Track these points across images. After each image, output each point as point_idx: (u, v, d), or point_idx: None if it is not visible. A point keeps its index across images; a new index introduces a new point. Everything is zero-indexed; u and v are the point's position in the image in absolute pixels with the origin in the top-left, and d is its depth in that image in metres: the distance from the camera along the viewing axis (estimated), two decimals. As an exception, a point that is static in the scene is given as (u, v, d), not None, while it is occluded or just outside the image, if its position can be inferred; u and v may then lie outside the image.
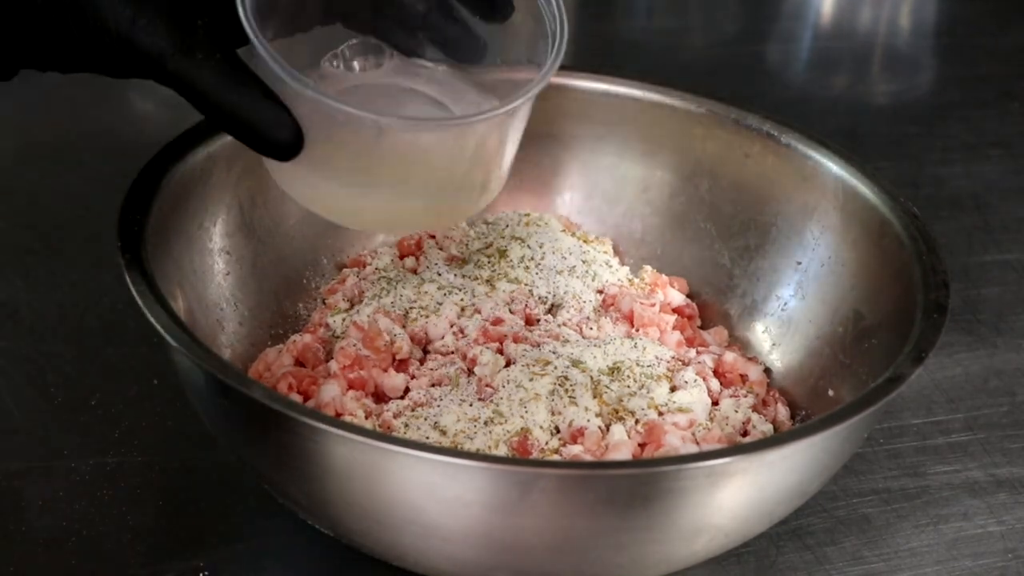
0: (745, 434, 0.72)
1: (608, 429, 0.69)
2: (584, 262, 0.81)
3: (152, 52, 0.59)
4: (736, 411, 0.72)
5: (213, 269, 0.74)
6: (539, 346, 0.74)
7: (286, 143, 0.61)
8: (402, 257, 0.82)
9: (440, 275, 0.79)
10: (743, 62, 1.27)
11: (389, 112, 0.63)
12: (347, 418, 0.69)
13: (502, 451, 0.67)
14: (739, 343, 0.79)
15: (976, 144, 1.13)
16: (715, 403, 0.74)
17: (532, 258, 0.80)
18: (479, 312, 0.77)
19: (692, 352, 0.77)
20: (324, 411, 0.69)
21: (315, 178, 0.64)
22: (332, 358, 0.73)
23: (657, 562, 0.63)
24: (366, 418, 0.70)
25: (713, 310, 0.82)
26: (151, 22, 0.59)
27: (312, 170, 0.64)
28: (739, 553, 0.70)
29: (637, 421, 0.70)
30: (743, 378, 0.76)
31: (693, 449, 0.69)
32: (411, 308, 0.76)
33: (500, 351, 0.74)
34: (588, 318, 0.78)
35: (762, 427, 0.72)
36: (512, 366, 0.72)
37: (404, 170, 0.65)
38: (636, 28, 1.35)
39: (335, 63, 0.68)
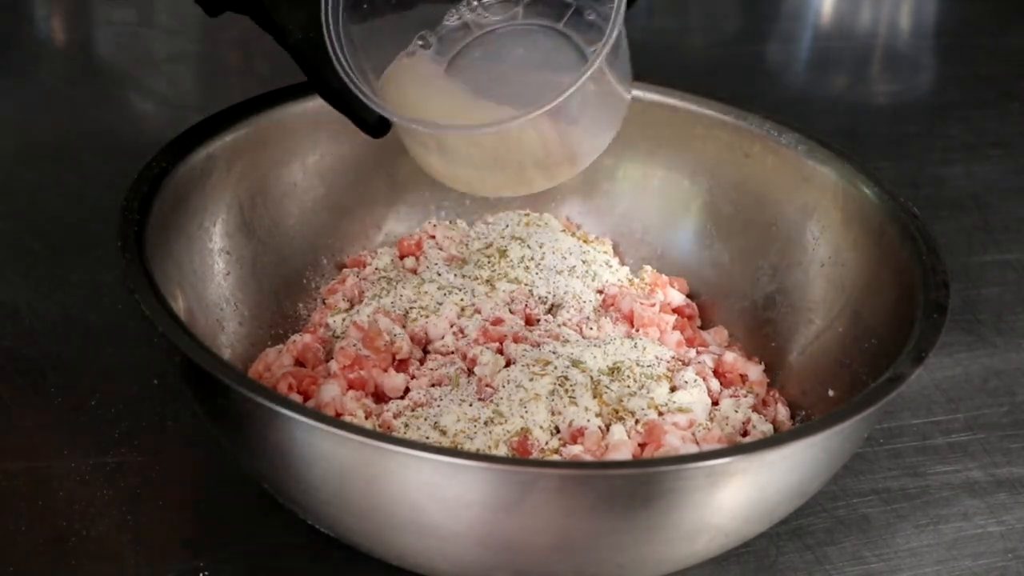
0: (745, 434, 0.72)
1: (608, 429, 0.69)
2: (584, 262, 0.81)
3: (280, 24, 0.68)
4: (736, 411, 0.72)
5: (213, 269, 0.74)
6: (539, 346, 0.74)
7: (372, 124, 0.69)
8: (402, 257, 0.82)
9: (440, 275, 0.79)
10: (743, 62, 1.27)
11: (430, 120, 0.68)
12: (347, 418, 0.69)
13: (502, 451, 0.67)
14: (739, 343, 0.79)
15: (976, 144, 1.13)
16: (715, 403, 0.74)
17: (532, 258, 0.80)
18: (479, 312, 0.77)
19: (692, 352, 0.77)
20: (324, 411, 0.69)
21: (419, 150, 0.71)
22: (332, 358, 0.73)
23: (657, 562, 0.63)
24: (366, 418, 0.70)
25: (713, 310, 0.82)
26: None
27: (413, 143, 0.71)
28: (739, 553, 0.70)
29: (637, 421, 0.70)
30: (743, 378, 0.76)
31: (693, 449, 0.69)
32: (411, 308, 0.76)
33: (500, 351, 0.74)
34: (588, 318, 0.78)
35: (762, 427, 0.72)
36: (512, 366, 0.72)
37: (479, 151, 0.70)
38: (636, 28, 1.35)
39: (474, 3, 0.72)
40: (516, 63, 0.72)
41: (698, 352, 0.77)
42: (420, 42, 0.72)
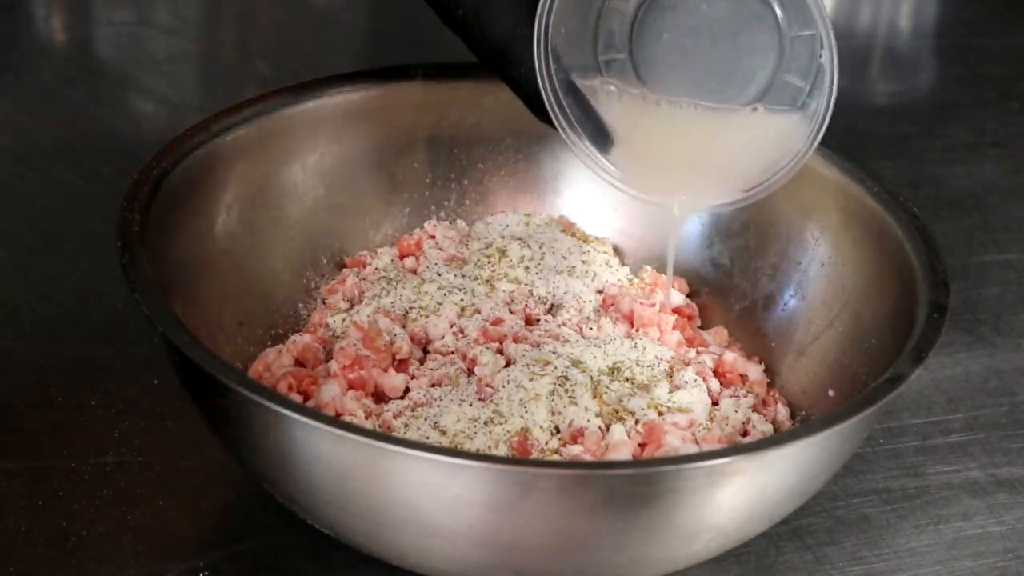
0: (745, 434, 0.72)
1: (608, 429, 0.69)
2: (584, 262, 0.81)
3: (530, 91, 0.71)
4: (736, 411, 0.72)
5: (213, 269, 0.74)
6: (539, 346, 0.74)
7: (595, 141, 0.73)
8: (402, 257, 0.82)
9: (440, 275, 0.79)
10: (743, 62, 1.27)
11: (668, 194, 0.74)
12: (347, 418, 0.69)
13: (502, 451, 0.67)
14: (739, 343, 0.79)
15: (976, 144, 1.13)
16: (715, 403, 0.74)
17: (532, 258, 0.80)
18: (479, 312, 0.77)
19: (692, 352, 0.77)
20: (324, 411, 0.69)
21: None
22: (332, 358, 0.73)
23: (657, 562, 0.63)
24: (366, 418, 0.70)
25: (713, 310, 0.82)
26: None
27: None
28: (739, 553, 0.70)
29: (637, 421, 0.70)
30: (743, 378, 0.76)
31: (693, 449, 0.69)
32: (411, 308, 0.76)
33: (500, 351, 0.74)
34: (588, 318, 0.78)
35: (762, 427, 0.72)
36: (512, 366, 0.72)
37: None
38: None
39: None
40: (708, 46, 0.73)
41: (698, 352, 0.77)
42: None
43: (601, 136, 0.73)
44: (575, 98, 0.72)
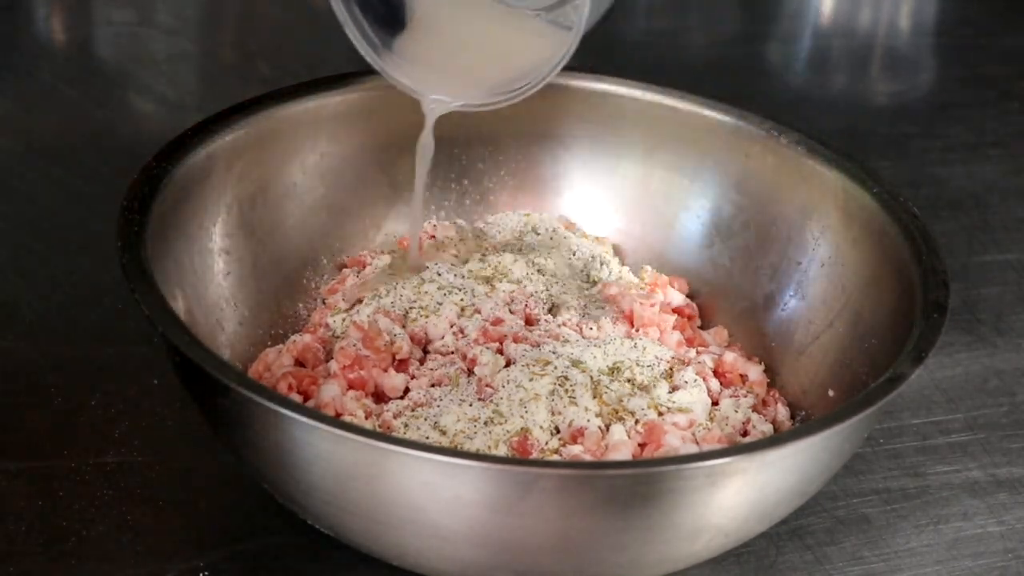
0: (745, 434, 0.72)
1: (608, 429, 0.69)
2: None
3: None
4: (736, 411, 0.72)
5: (213, 269, 0.74)
6: (539, 346, 0.74)
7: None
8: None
9: (440, 275, 0.79)
10: (743, 62, 1.27)
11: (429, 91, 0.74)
12: (347, 418, 0.69)
13: (502, 451, 0.67)
14: (739, 343, 0.79)
15: (976, 144, 1.13)
16: (715, 403, 0.74)
17: (532, 258, 0.80)
18: (479, 312, 0.77)
19: (692, 352, 0.77)
20: (324, 411, 0.69)
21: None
22: (332, 358, 0.73)
23: (657, 562, 0.63)
24: (366, 418, 0.70)
25: (713, 310, 0.82)
26: None
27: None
28: (739, 553, 0.70)
29: (637, 421, 0.70)
30: (743, 378, 0.76)
31: (693, 449, 0.69)
32: (411, 308, 0.76)
33: (500, 351, 0.74)
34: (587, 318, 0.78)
35: (762, 427, 0.72)
36: (512, 366, 0.72)
37: None
38: (636, 28, 1.35)
39: None
40: None
41: (698, 352, 0.77)
42: None
43: (391, 20, 0.73)
44: None
